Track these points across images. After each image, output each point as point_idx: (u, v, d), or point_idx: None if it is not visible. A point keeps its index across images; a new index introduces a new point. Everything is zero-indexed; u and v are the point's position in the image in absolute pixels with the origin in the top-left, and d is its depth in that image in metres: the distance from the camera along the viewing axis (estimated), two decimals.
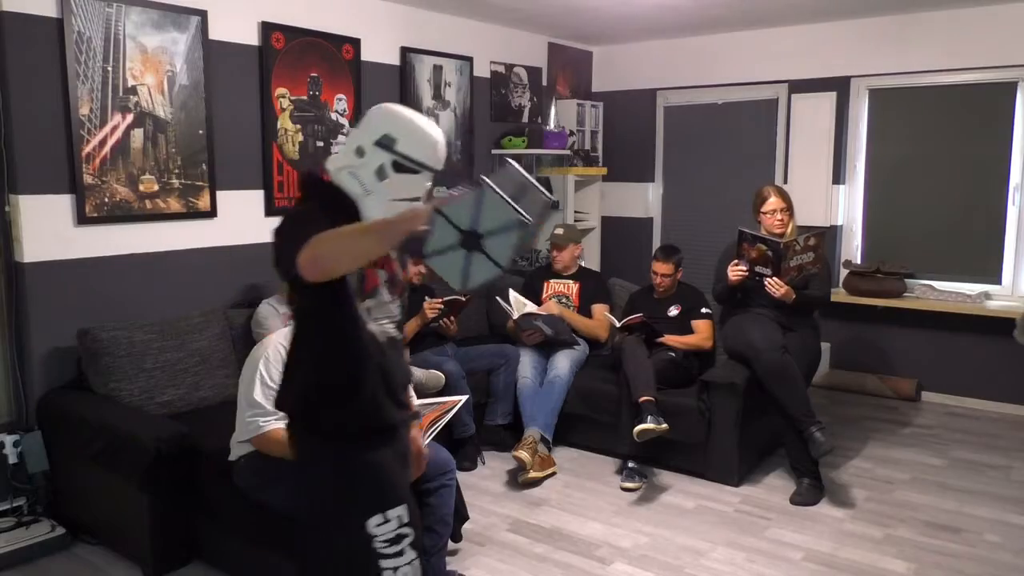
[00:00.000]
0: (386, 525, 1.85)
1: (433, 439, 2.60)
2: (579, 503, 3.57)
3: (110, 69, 3.42)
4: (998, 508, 3.54)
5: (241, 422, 2.63)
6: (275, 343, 2.69)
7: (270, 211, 4.13)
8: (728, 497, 3.66)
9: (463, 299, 4.05)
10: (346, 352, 1.84)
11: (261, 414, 2.57)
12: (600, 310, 4.39)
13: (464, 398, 2.81)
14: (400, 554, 1.86)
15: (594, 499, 3.62)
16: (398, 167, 1.83)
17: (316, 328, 1.84)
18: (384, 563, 1.83)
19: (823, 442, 3.47)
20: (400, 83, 4.80)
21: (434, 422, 2.60)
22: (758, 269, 3.66)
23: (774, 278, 3.62)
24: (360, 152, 1.84)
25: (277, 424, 2.58)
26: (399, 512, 1.86)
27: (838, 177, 5.38)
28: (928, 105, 5.12)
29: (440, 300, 4.03)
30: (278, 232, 1.78)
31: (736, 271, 3.72)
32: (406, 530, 1.87)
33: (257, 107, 4.03)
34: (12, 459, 3.22)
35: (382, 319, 1.91)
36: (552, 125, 5.69)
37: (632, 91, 6.17)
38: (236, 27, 3.90)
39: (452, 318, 4.11)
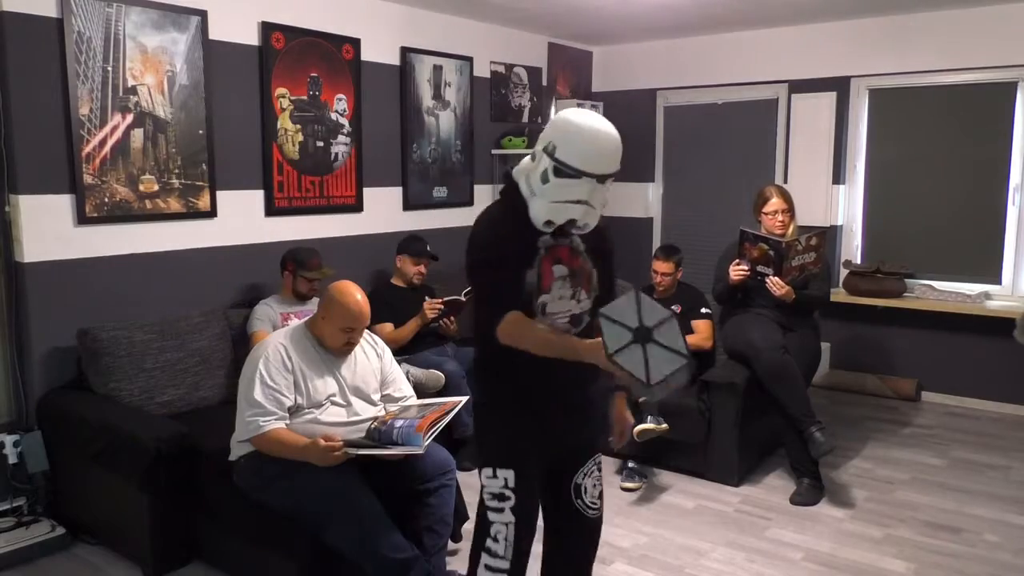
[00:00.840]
0: (493, 480, 2.11)
1: (432, 439, 2.59)
2: None
3: (110, 69, 3.42)
4: (998, 508, 3.54)
5: (241, 422, 2.63)
6: (275, 343, 2.69)
7: (270, 211, 4.13)
8: (728, 497, 3.66)
9: (462, 299, 4.05)
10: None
11: (261, 413, 2.57)
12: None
13: (464, 399, 2.80)
14: (501, 511, 2.11)
15: None
16: (558, 172, 1.97)
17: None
18: (490, 513, 2.12)
19: (823, 442, 3.47)
20: (400, 83, 4.80)
21: (435, 423, 2.60)
22: (760, 268, 3.66)
23: (775, 277, 3.62)
24: (534, 157, 2.04)
25: (277, 424, 2.58)
26: (507, 475, 2.10)
27: (838, 177, 5.38)
28: (928, 105, 5.12)
29: (440, 300, 4.03)
30: (472, 240, 2.08)
31: (737, 271, 3.72)
32: (509, 493, 2.10)
33: (257, 107, 4.03)
34: (12, 459, 3.22)
35: (556, 313, 2.10)
36: None
37: (632, 91, 6.17)
38: (236, 27, 3.90)
39: (452, 318, 4.11)
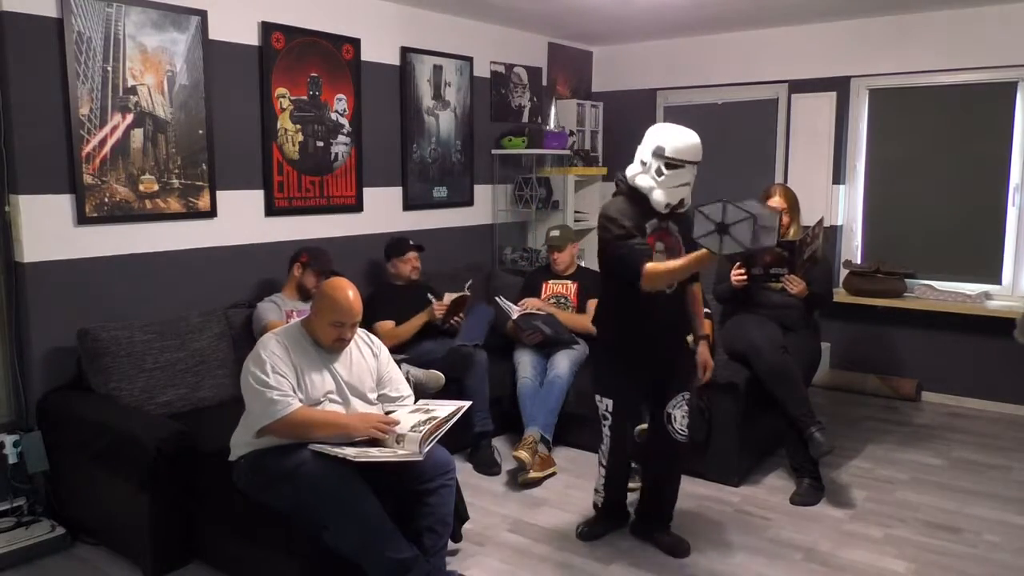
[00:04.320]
0: (600, 403, 3.05)
1: (431, 445, 2.61)
2: (579, 503, 3.57)
3: (110, 69, 3.42)
4: (998, 508, 3.54)
5: (263, 405, 2.56)
6: (273, 340, 2.70)
7: (270, 211, 4.13)
8: (728, 497, 3.66)
9: (468, 294, 4.09)
10: (620, 299, 2.92)
11: (281, 395, 2.56)
12: (594, 304, 4.39)
13: (467, 404, 2.83)
14: (604, 426, 3.06)
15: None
16: (669, 166, 2.78)
17: (615, 286, 2.92)
18: (601, 425, 3.07)
19: (823, 442, 3.47)
20: (400, 83, 4.80)
21: (436, 430, 2.61)
22: (774, 271, 3.68)
23: (791, 276, 3.67)
24: (643, 162, 2.84)
25: (298, 404, 2.58)
26: (608, 402, 3.02)
27: (838, 177, 5.38)
28: (928, 105, 5.11)
29: (444, 304, 4.05)
30: (604, 222, 2.85)
31: (738, 276, 3.72)
32: (608, 416, 3.03)
33: (257, 107, 4.03)
34: (12, 459, 3.21)
35: None
36: (552, 125, 5.69)
37: (632, 91, 6.17)
38: (236, 27, 3.90)
39: (460, 316, 4.13)
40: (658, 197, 2.79)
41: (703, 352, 3.12)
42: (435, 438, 2.60)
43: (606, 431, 3.06)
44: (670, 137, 2.78)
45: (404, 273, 4.25)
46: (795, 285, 3.71)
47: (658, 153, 2.77)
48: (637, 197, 2.86)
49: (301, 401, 2.64)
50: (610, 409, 3.01)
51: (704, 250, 2.54)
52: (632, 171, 2.88)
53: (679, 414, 3.01)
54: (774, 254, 3.64)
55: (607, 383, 3.04)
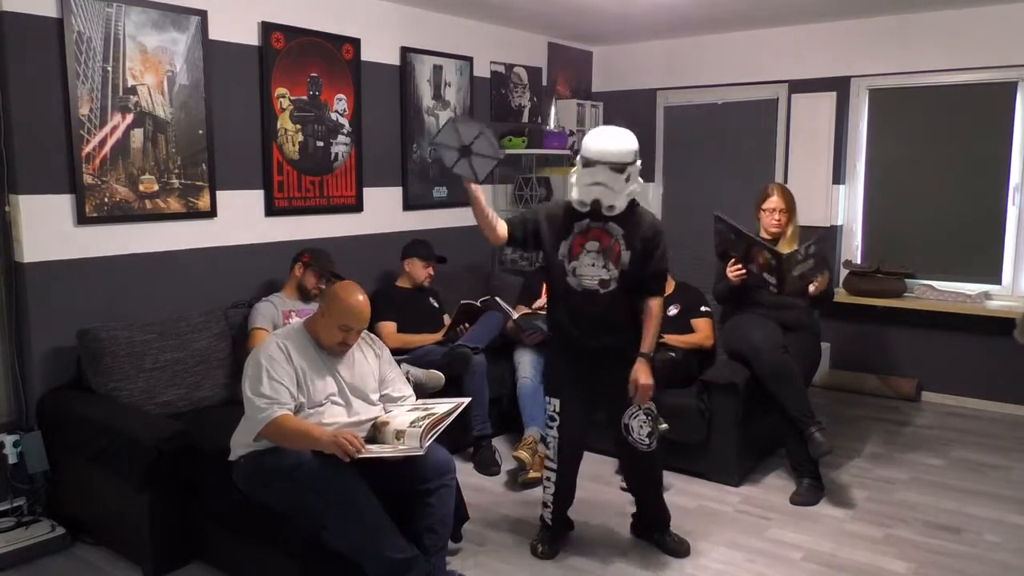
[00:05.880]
0: (548, 405, 3.01)
1: (433, 440, 2.60)
2: (579, 503, 3.56)
3: (110, 69, 3.42)
4: (998, 508, 3.54)
5: (253, 412, 2.59)
6: (276, 342, 2.70)
7: (270, 211, 4.13)
8: (728, 497, 3.66)
9: (477, 304, 4.12)
10: (554, 297, 3.01)
11: (270, 403, 2.57)
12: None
13: (466, 400, 2.83)
14: (551, 428, 3.00)
15: (594, 499, 3.62)
16: (584, 164, 2.78)
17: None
18: (547, 428, 3.03)
19: (823, 442, 3.47)
20: (400, 83, 4.80)
21: (436, 424, 2.61)
22: (765, 276, 3.65)
23: (779, 292, 3.62)
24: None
25: (285, 411, 2.58)
26: (555, 402, 2.98)
27: (838, 177, 5.38)
28: (928, 105, 5.12)
29: (453, 318, 4.12)
30: None
31: (735, 271, 3.70)
32: (556, 417, 2.98)
33: (257, 107, 4.03)
34: (12, 459, 3.21)
35: (585, 276, 2.86)
36: (552, 125, 5.69)
37: (632, 91, 6.17)
38: (236, 27, 3.90)
39: (467, 324, 4.13)
40: (573, 194, 2.83)
41: (637, 370, 2.86)
42: (435, 433, 2.59)
43: (554, 432, 2.99)
44: (590, 137, 2.80)
45: (417, 278, 4.26)
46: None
47: (581, 153, 2.81)
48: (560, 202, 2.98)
49: (302, 404, 2.65)
50: (557, 409, 2.98)
51: (469, 185, 2.67)
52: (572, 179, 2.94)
53: (635, 424, 2.94)
54: (764, 259, 3.61)
55: (553, 383, 3.07)
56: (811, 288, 3.65)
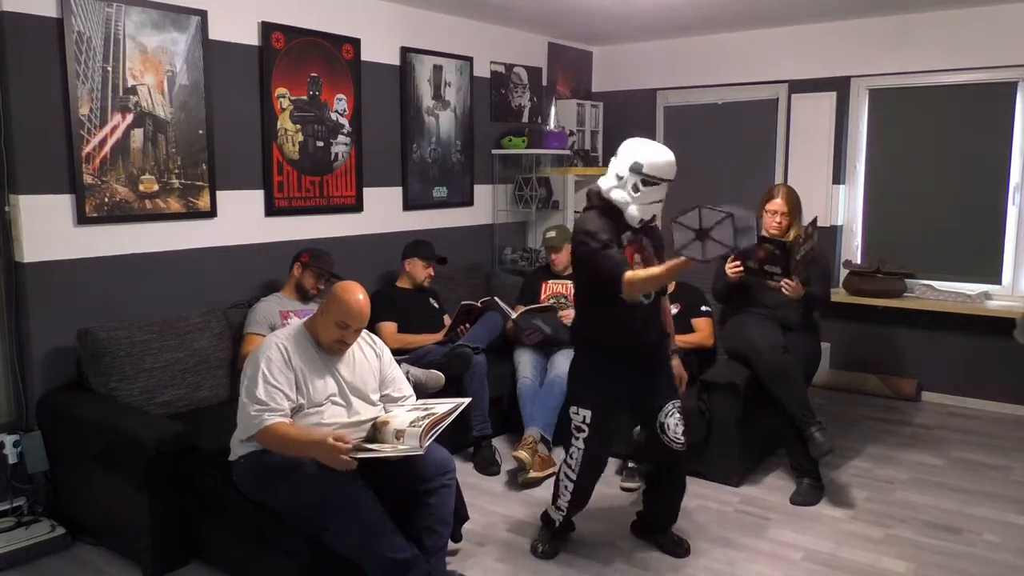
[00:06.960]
0: (576, 416, 2.95)
1: (433, 439, 2.60)
2: None
3: (110, 69, 3.42)
4: (998, 508, 3.54)
5: (244, 420, 2.62)
6: (276, 343, 2.69)
7: (270, 211, 4.13)
8: (728, 497, 3.66)
9: (478, 305, 4.12)
10: (616, 310, 2.86)
11: (264, 409, 2.57)
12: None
13: (467, 400, 2.82)
14: (577, 439, 2.95)
15: (594, 499, 3.61)
16: (645, 183, 2.77)
17: (598, 294, 2.86)
18: (573, 439, 2.97)
19: (823, 442, 3.47)
20: (400, 83, 4.80)
21: (436, 424, 2.60)
22: (768, 268, 3.62)
23: (788, 281, 3.56)
24: (619, 177, 2.81)
25: (280, 418, 2.57)
26: (585, 414, 2.92)
27: (838, 177, 5.38)
28: (928, 105, 5.12)
29: (454, 318, 4.11)
30: (582, 236, 2.81)
31: (734, 268, 3.69)
32: (584, 428, 2.92)
33: (257, 107, 4.03)
34: (12, 459, 3.22)
35: None
36: (552, 125, 5.69)
37: (632, 91, 6.17)
38: (236, 27, 3.90)
39: (467, 325, 4.13)
40: (633, 212, 2.80)
41: (677, 366, 3.17)
42: (435, 433, 2.59)
43: (579, 444, 2.95)
44: (649, 154, 2.77)
45: (418, 277, 4.27)
46: (793, 290, 3.61)
47: (635, 169, 2.76)
48: (610, 211, 2.85)
49: (301, 405, 2.65)
50: (587, 421, 2.92)
51: (682, 257, 2.55)
52: (607, 184, 2.86)
53: (672, 422, 2.96)
54: (766, 251, 3.62)
55: (587, 394, 2.95)
56: (790, 285, 3.61)
